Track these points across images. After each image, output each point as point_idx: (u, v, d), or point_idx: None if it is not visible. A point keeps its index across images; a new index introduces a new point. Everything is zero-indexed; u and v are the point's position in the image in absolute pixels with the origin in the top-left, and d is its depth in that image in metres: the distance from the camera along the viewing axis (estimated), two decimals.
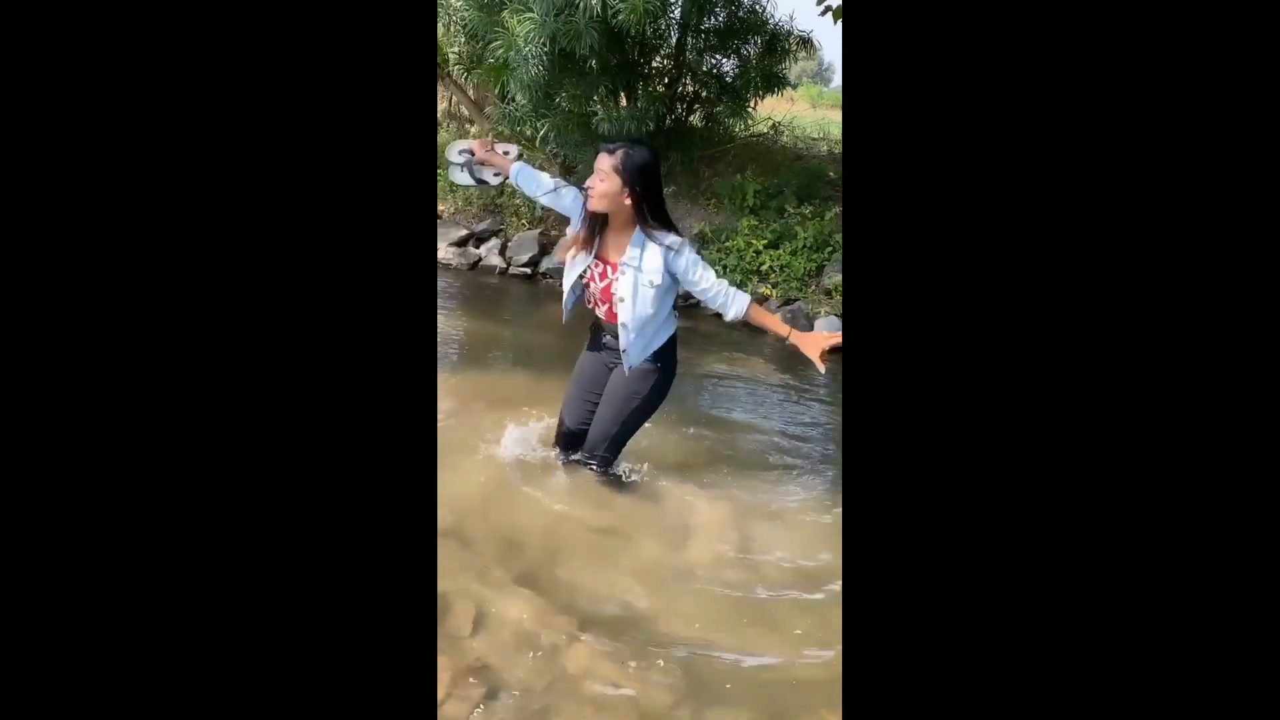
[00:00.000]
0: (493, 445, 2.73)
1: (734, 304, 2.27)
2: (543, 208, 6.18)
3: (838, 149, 7.86)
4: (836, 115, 12.77)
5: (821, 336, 2.24)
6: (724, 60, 6.33)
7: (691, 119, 6.65)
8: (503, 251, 6.07)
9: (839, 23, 5.61)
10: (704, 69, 6.32)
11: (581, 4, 4.69)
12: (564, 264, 2.41)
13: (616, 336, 2.36)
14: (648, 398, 2.42)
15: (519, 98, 5.43)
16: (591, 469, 2.52)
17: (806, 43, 6.28)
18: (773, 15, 6.15)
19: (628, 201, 2.19)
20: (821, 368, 2.20)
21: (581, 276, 2.35)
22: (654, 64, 6.30)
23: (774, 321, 2.35)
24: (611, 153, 2.19)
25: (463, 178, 2.56)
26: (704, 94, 6.45)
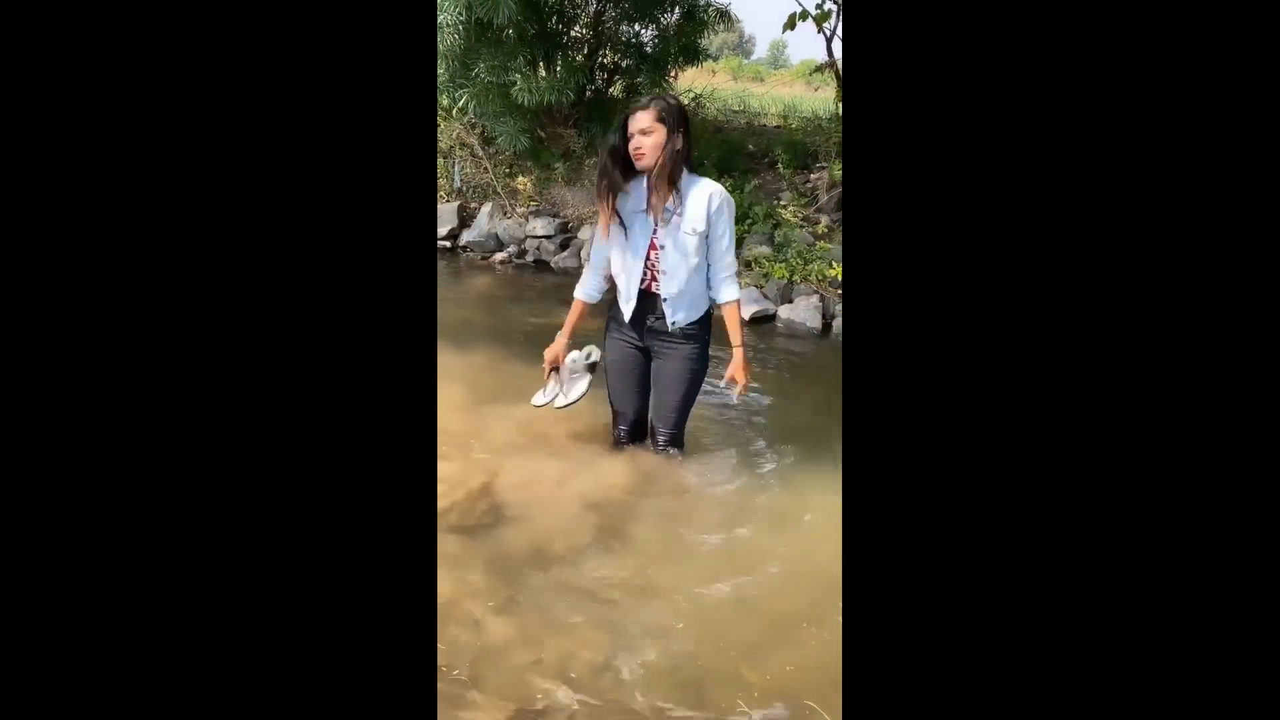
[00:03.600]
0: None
1: (728, 290, 2.31)
2: (460, 179, 6.10)
3: (756, 121, 7.94)
4: (756, 88, 12.87)
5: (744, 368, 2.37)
6: (643, 30, 6.30)
7: (612, 90, 6.60)
8: None
9: None
10: (623, 39, 6.28)
11: None
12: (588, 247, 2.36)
13: (655, 307, 2.34)
14: (700, 370, 2.43)
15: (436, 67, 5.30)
16: (672, 453, 2.55)
17: (725, 16, 6.30)
18: None
19: (678, 147, 2.18)
20: (738, 394, 2.37)
21: (647, 255, 2.30)
22: (573, 33, 6.23)
23: (736, 330, 2.35)
24: (647, 107, 2.17)
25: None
26: (624, 64, 6.41)
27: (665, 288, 2.28)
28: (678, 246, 2.24)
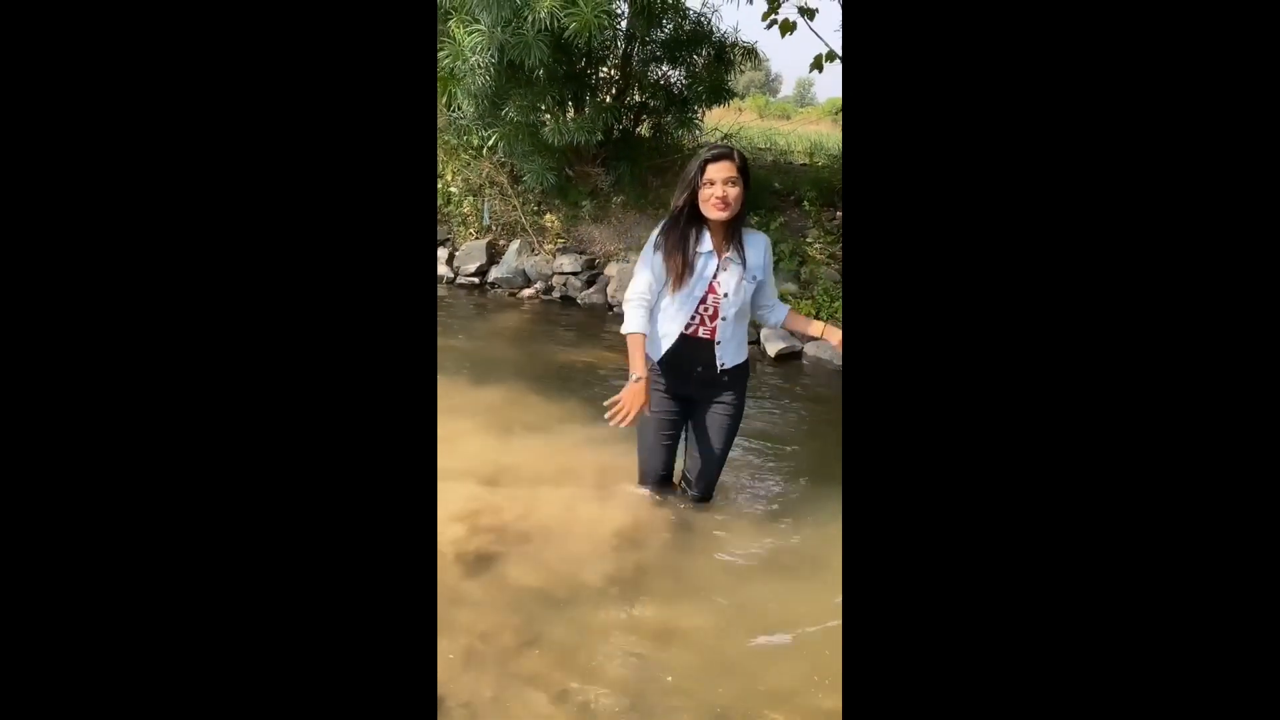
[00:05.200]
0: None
1: (780, 309, 2.44)
2: (490, 217, 6.19)
3: (783, 159, 7.99)
4: (783, 125, 12.98)
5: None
6: (671, 71, 6.40)
7: (640, 129, 6.69)
8: (450, 261, 6.04)
9: (787, 36, 5.72)
10: (651, 80, 6.38)
11: (530, 16, 4.69)
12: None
13: (701, 354, 2.34)
14: (739, 421, 2.49)
15: (465, 107, 5.41)
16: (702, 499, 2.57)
17: (752, 54, 6.38)
18: (719, 27, 6.24)
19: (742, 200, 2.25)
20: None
21: (703, 298, 2.29)
22: (601, 74, 6.33)
23: (807, 323, 2.42)
24: (730, 156, 2.20)
25: None
26: (652, 104, 6.50)
27: (722, 332, 2.32)
28: (739, 292, 2.29)
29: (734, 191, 2.18)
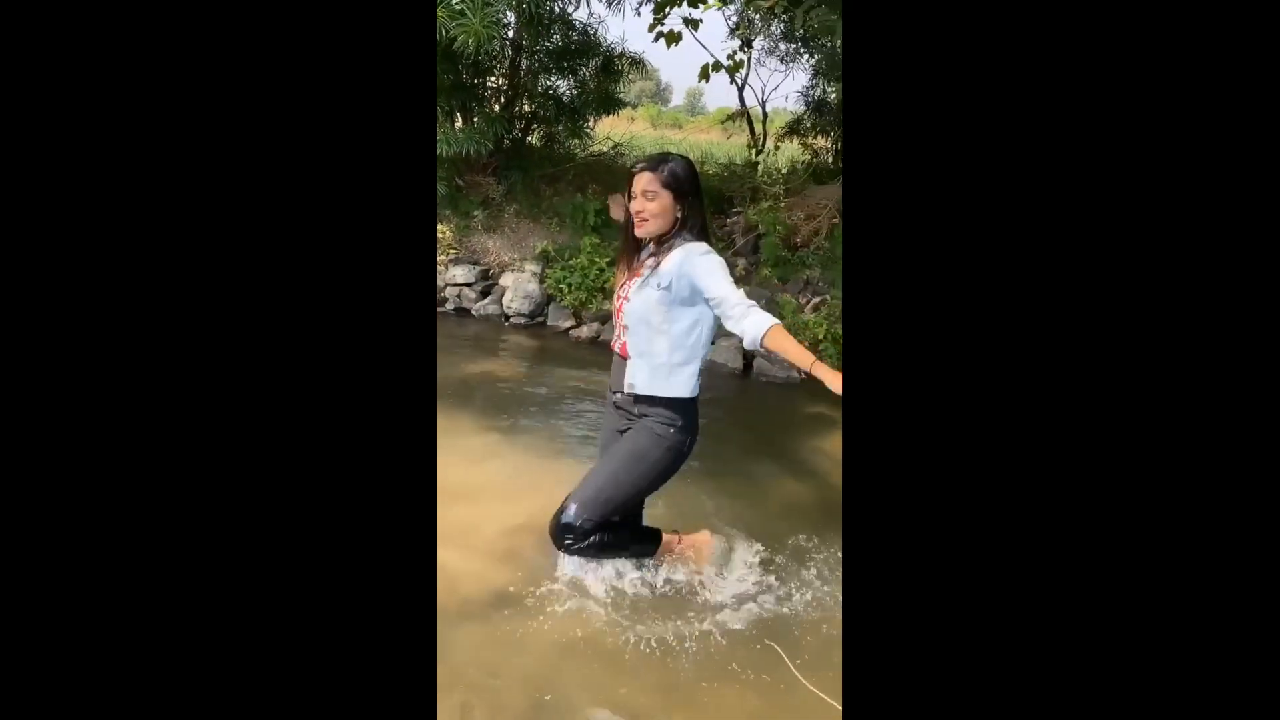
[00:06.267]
0: None
1: (753, 322, 1.90)
2: None
3: None
4: (675, 134, 13.19)
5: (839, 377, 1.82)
6: (560, 81, 6.42)
7: (530, 138, 6.67)
8: None
9: (673, 46, 5.82)
10: (540, 89, 6.38)
11: None
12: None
13: (619, 373, 2.15)
14: (657, 461, 2.09)
15: None
16: (568, 545, 2.12)
17: (639, 64, 6.47)
18: (605, 37, 6.30)
19: (679, 215, 2.03)
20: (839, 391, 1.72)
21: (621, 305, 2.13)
22: (489, 84, 6.29)
23: (798, 350, 1.89)
24: (654, 169, 2.02)
25: None
26: (541, 114, 6.49)
27: (632, 345, 2.10)
28: (641, 300, 2.05)
29: (651, 205, 2.00)
